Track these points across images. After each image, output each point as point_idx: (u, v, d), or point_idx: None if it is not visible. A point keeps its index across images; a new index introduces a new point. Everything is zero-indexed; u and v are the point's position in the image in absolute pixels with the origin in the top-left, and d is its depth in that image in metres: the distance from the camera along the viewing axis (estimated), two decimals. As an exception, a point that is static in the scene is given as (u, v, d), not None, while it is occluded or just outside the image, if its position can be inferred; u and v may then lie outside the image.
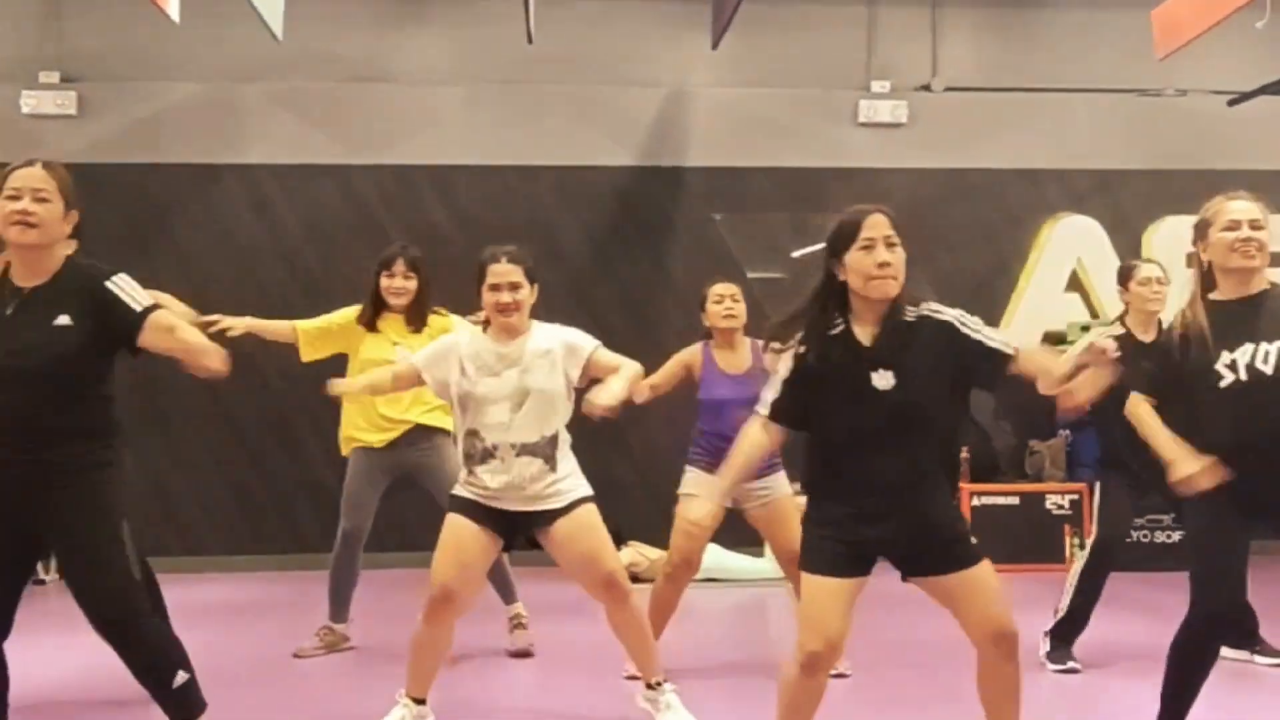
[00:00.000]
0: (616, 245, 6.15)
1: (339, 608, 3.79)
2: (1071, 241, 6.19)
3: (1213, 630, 2.40)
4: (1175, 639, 2.38)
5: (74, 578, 2.12)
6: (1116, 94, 6.35)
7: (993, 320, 6.09)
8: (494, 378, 2.64)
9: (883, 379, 1.88)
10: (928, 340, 1.95)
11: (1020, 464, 5.81)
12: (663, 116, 6.34)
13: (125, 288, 2.11)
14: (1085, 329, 5.71)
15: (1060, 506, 5.56)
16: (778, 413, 2.03)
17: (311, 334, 3.69)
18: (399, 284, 3.55)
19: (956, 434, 2.33)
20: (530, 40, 5.37)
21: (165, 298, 2.53)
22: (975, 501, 5.62)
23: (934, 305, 2.03)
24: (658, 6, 6.21)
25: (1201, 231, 2.40)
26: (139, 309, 2.08)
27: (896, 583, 2.13)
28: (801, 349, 1.98)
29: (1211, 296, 2.31)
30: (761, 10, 5.70)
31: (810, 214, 5.92)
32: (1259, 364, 2.20)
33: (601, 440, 4.49)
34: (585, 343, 2.68)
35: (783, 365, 2.05)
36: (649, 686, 2.84)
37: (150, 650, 2.19)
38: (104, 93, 5.92)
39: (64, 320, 2.04)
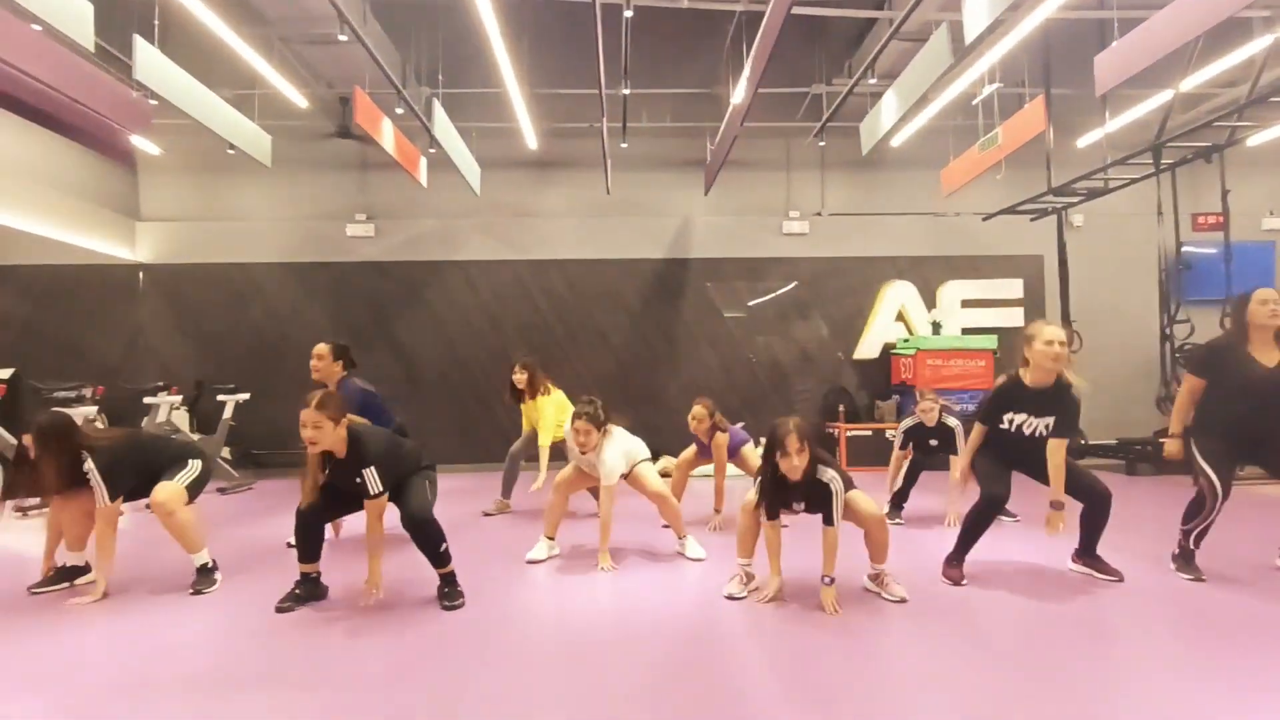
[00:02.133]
0: (654, 300, 9.39)
1: (506, 490, 5.58)
2: (897, 295, 9.48)
3: (991, 510, 3.52)
4: (971, 508, 3.57)
5: (403, 501, 3.28)
6: (921, 215, 9.51)
7: (853, 339, 9.41)
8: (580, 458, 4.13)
9: (799, 505, 3.22)
10: (814, 489, 3.15)
11: (871, 414, 9.16)
12: (678, 231, 9.54)
13: (370, 479, 3.14)
14: (905, 340, 9.08)
15: (893, 437, 7.44)
16: (770, 512, 3.27)
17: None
18: (518, 378, 5.41)
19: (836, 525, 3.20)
20: (608, 192, 8.93)
21: None
22: (850, 434, 8.40)
23: (829, 473, 3.13)
24: (675, 172, 9.58)
25: (1029, 340, 3.37)
26: (371, 493, 3.15)
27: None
28: (762, 480, 3.23)
29: (1026, 381, 3.38)
30: (730, 175, 8.96)
31: (758, 282, 9.42)
32: (1025, 429, 3.41)
33: (645, 409, 8.05)
34: (622, 468, 4.04)
35: (753, 488, 3.30)
36: (680, 538, 4.26)
37: (431, 538, 3.28)
38: (388, 224, 9.42)
39: (359, 481, 3.18)
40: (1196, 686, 2.35)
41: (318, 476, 3.20)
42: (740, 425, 5.23)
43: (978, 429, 3.59)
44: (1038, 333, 3.39)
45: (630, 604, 3.33)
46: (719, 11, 8.02)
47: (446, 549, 3.31)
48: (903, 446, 5.30)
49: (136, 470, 3.54)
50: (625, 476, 4.11)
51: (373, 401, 4.39)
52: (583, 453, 3.98)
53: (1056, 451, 3.43)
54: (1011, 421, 3.42)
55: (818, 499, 3.18)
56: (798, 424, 3.07)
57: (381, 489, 3.17)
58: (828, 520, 3.18)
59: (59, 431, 3.39)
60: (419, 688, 2.40)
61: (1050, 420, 3.41)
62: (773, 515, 3.29)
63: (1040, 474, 3.54)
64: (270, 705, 2.28)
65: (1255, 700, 2.24)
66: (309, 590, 3.33)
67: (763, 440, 3.37)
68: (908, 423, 5.28)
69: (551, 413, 5.27)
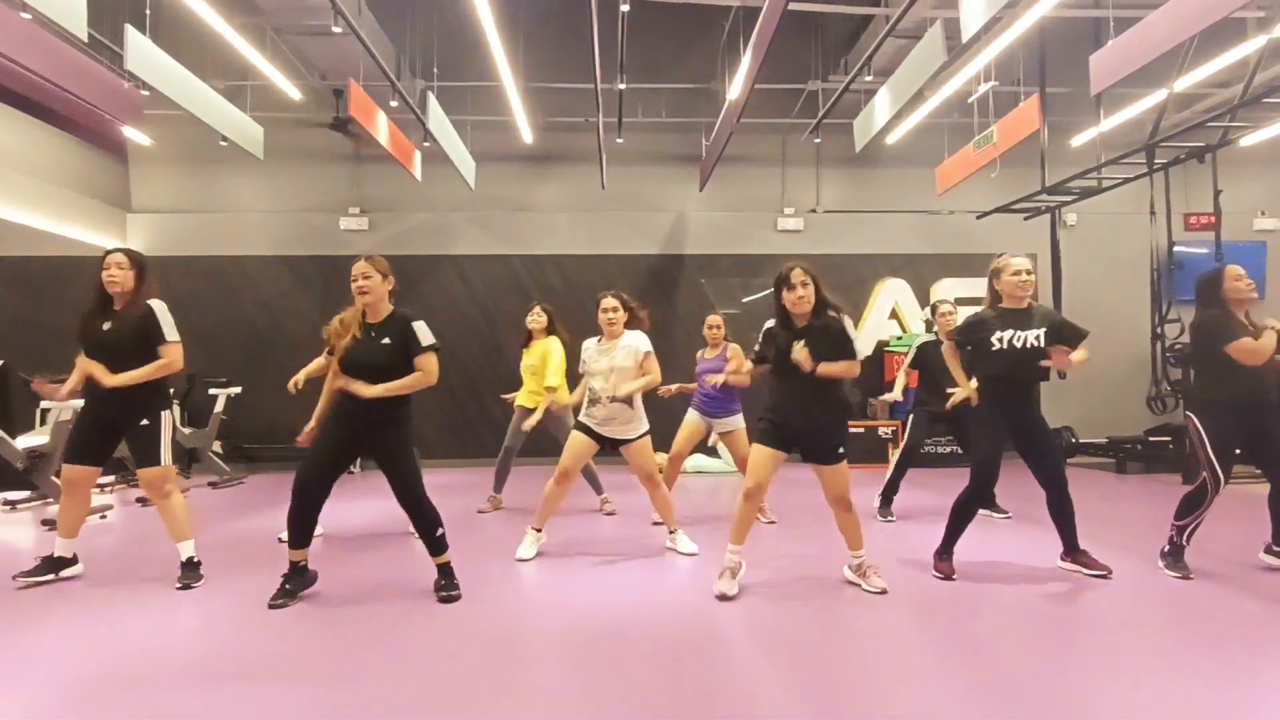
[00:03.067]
0: (649, 296, 9.02)
1: (498, 485, 5.55)
2: (891, 293, 9.43)
3: (977, 495, 3.53)
4: (958, 498, 3.57)
5: (393, 476, 3.24)
6: (916, 213, 9.47)
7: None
8: (597, 360, 4.10)
9: (806, 361, 3.13)
10: (824, 331, 3.16)
11: (865, 411, 9.14)
12: (673, 227, 9.50)
13: (420, 330, 3.19)
14: (899, 339, 9.11)
15: (886, 434, 8.54)
16: (758, 359, 3.38)
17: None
18: (536, 320, 5.32)
19: (841, 383, 3.28)
20: (603, 186, 8.87)
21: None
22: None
23: (838, 316, 3.17)
24: (670, 168, 9.52)
25: (997, 274, 3.52)
26: (423, 343, 3.18)
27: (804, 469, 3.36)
28: (768, 329, 3.32)
29: (1002, 306, 3.50)
30: (725, 171, 8.97)
31: (751, 279, 9.33)
32: (1015, 343, 3.40)
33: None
34: (644, 345, 4.09)
35: (762, 339, 3.34)
36: (670, 531, 4.23)
37: (428, 515, 3.29)
38: (382, 217, 9.35)
39: (387, 342, 3.18)
40: (1184, 682, 2.36)
41: (356, 333, 3.18)
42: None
43: (952, 348, 3.70)
44: (1005, 265, 3.52)
45: (622, 600, 3.33)
46: (715, 7, 8.00)
47: (443, 534, 3.31)
48: (913, 366, 5.26)
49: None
50: (628, 445, 4.08)
51: None
52: (609, 334, 4.06)
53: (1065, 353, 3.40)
54: (1002, 339, 3.42)
55: (826, 339, 3.17)
56: (803, 263, 3.22)
57: (434, 341, 3.23)
58: (846, 354, 3.18)
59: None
60: (414, 682, 2.40)
61: (1039, 331, 3.42)
62: (763, 358, 3.34)
63: (1030, 443, 3.54)
64: (261, 699, 2.27)
65: (1242, 696, 2.26)
66: (298, 581, 3.30)
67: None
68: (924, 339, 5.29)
69: (560, 353, 5.21)
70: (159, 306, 3.52)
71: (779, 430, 3.28)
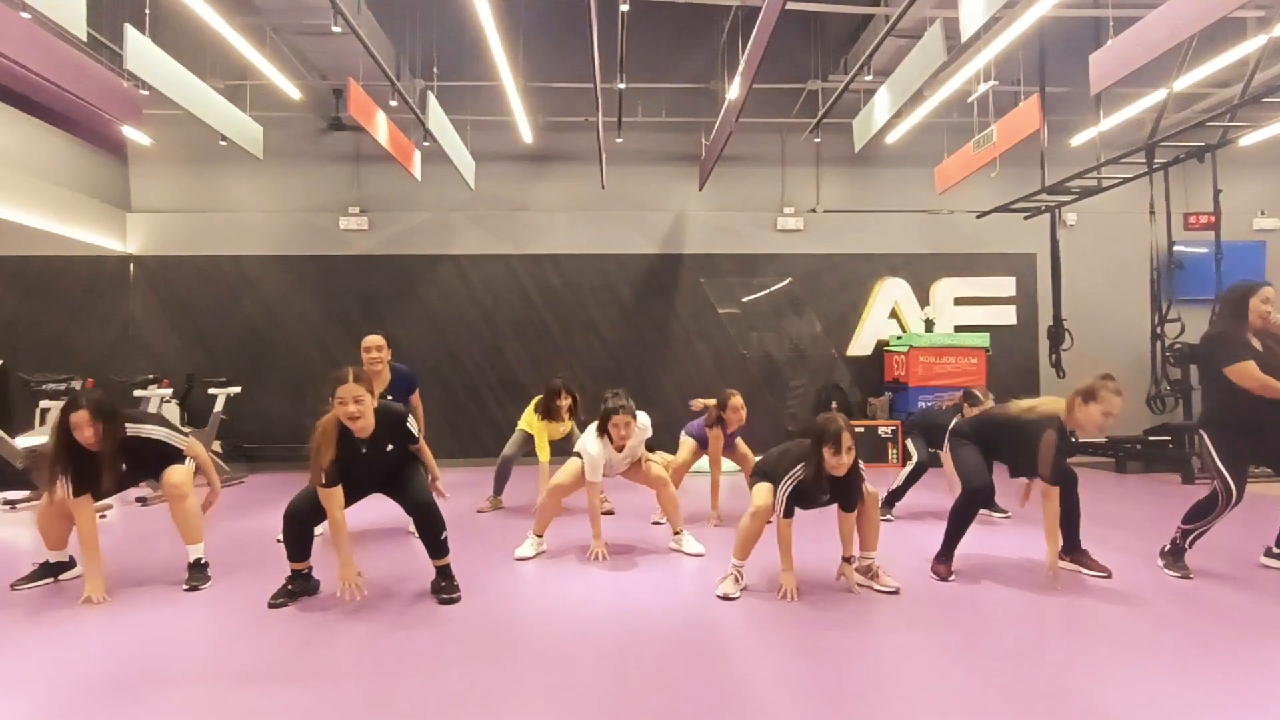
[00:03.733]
0: (648, 296, 9.36)
1: (498, 489, 5.60)
2: (891, 292, 9.47)
3: (975, 499, 3.54)
4: (954, 504, 3.56)
5: (402, 484, 3.33)
6: (915, 212, 9.48)
7: (847, 335, 9.47)
8: (616, 466, 4.20)
9: (825, 496, 3.26)
10: (843, 480, 3.18)
11: (864, 411, 9.16)
12: (673, 226, 9.50)
13: (411, 426, 3.31)
14: (898, 338, 9.13)
15: (885, 434, 8.52)
16: (788, 510, 3.26)
17: (532, 431, 5.36)
18: (562, 404, 5.32)
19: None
20: (603, 186, 8.89)
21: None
22: (842, 431, 8.92)
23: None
24: (670, 167, 9.53)
25: (1084, 398, 3.34)
26: (416, 436, 3.35)
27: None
28: (800, 475, 3.20)
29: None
30: (725, 170, 8.96)
31: (752, 278, 9.39)
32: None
33: (639, 404, 8.09)
34: (648, 431, 4.21)
35: (789, 480, 3.23)
36: (675, 532, 4.23)
37: (435, 520, 3.30)
38: (382, 217, 9.33)
39: (391, 449, 3.29)
40: (1183, 682, 2.37)
41: (330, 455, 3.09)
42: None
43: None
44: (1104, 399, 3.30)
45: (622, 600, 3.33)
46: (715, 6, 8.02)
47: (446, 539, 3.31)
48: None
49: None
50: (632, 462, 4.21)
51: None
52: (620, 448, 4.02)
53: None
54: None
55: (845, 489, 3.21)
56: (845, 420, 3.13)
57: (420, 432, 3.36)
58: (847, 507, 3.26)
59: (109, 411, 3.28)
60: (413, 683, 2.40)
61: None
62: (790, 513, 3.28)
63: (1019, 460, 3.56)
64: (262, 700, 2.27)
65: (1242, 696, 2.26)
66: (301, 585, 3.30)
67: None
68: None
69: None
70: None
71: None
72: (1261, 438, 3.45)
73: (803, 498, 3.24)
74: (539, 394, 5.50)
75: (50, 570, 3.57)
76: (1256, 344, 3.46)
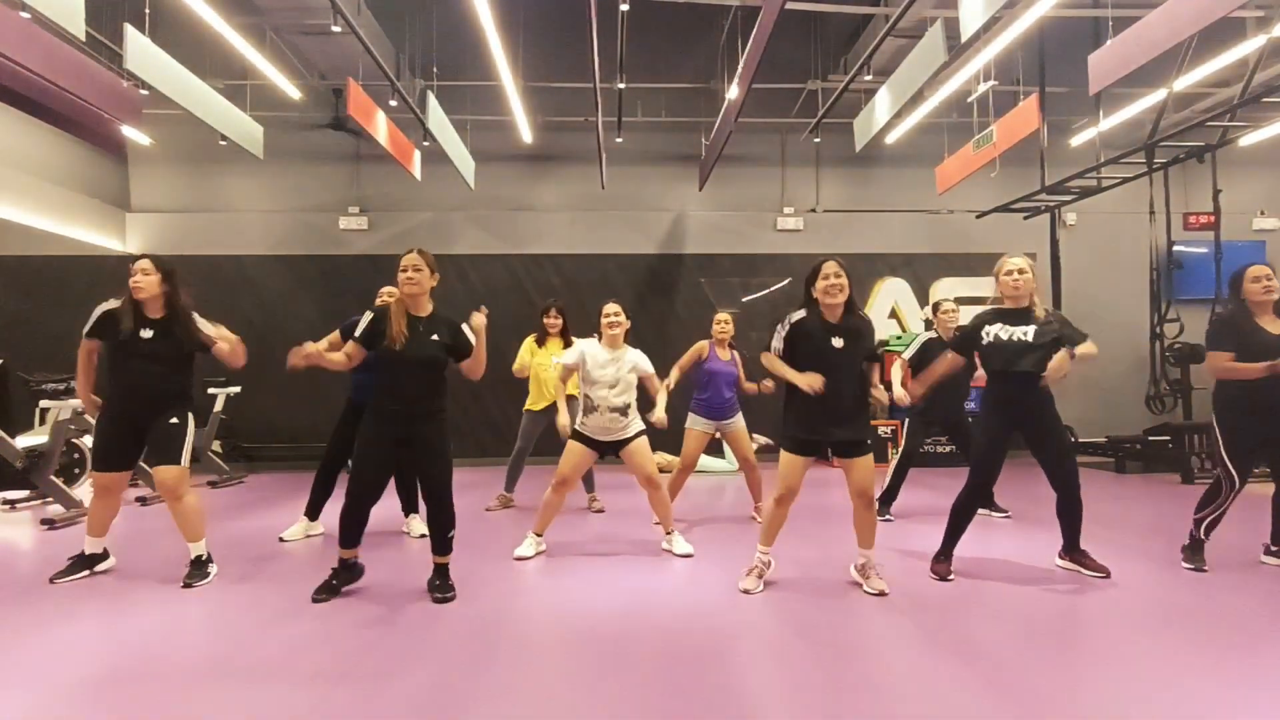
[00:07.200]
0: (648, 295, 9.28)
1: (510, 484, 5.58)
2: (891, 292, 9.42)
3: (975, 494, 3.54)
4: (957, 499, 3.58)
5: (427, 470, 3.24)
6: (915, 212, 9.47)
7: None
8: (603, 369, 4.02)
9: (837, 341, 3.14)
10: (862, 330, 3.19)
11: None
12: (673, 226, 9.48)
13: (467, 331, 3.25)
14: (898, 338, 8.98)
15: (885, 433, 8.32)
16: (791, 360, 3.18)
17: (524, 357, 5.40)
18: (552, 321, 5.42)
19: (867, 378, 3.28)
20: (603, 187, 8.87)
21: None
22: (842, 431, 8.76)
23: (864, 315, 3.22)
24: (670, 168, 9.50)
25: (996, 274, 3.55)
26: (474, 345, 3.26)
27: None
28: (795, 322, 3.17)
29: (1001, 306, 3.49)
30: (725, 170, 8.95)
31: (752, 278, 9.35)
32: (1003, 335, 3.39)
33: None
34: (648, 366, 4.15)
35: (787, 322, 3.20)
36: (666, 533, 4.22)
37: (447, 515, 3.28)
38: (381, 216, 9.32)
39: (437, 338, 3.19)
40: (1182, 681, 2.36)
41: (401, 324, 3.10)
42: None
43: (949, 356, 3.60)
44: (1001, 265, 3.51)
45: (621, 600, 3.33)
46: (715, 6, 8.01)
47: (452, 538, 3.32)
48: (913, 362, 5.27)
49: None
50: (626, 446, 4.08)
51: None
52: (611, 341, 4.04)
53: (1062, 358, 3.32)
54: (989, 333, 3.42)
55: (855, 334, 3.16)
56: (838, 258, 3.21)
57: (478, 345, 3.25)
58: (860, 355, 3.17)
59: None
60: (413, 682, 2.40)
61: (1030, 328, 3.36)
62: (785, 355, 3.20)
63: (1040, 441, 3.52)
64: (257, 699, 2.27)
65: (1242, 695, 2.26)
66: (345, 577, 3.30)
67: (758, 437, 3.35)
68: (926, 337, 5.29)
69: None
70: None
71: (814, 444, 3.25)
72: (1266, 419, 3.52)
73: (810, 341, 3.16)
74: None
75: (86, 563, 3.61)
76: (1269, 326, 3.52)
